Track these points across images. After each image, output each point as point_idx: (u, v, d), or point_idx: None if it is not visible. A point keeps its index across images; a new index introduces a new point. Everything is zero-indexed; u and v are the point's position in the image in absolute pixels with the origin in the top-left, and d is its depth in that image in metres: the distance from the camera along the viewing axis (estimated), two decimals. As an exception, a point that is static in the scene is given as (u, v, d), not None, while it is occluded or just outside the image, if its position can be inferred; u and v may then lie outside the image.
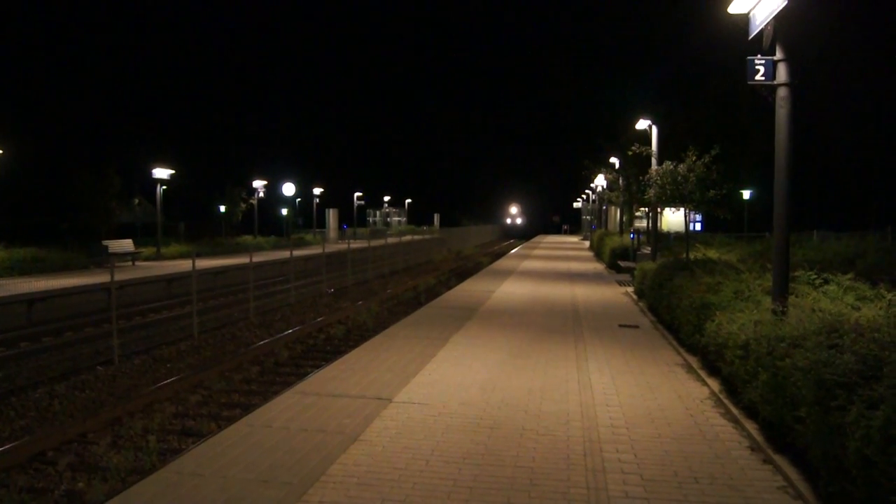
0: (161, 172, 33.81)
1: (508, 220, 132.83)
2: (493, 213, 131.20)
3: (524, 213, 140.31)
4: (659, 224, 23.30)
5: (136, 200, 51.17)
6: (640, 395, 8.74)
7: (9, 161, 24.97)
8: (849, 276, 8.86)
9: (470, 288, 22.01)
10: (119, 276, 18.78)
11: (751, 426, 7.21)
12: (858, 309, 7.39)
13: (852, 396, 4.91)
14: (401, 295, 26.11)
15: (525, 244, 63.64)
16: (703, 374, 9.70)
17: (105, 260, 26.23)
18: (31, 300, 18.43)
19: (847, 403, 4.92)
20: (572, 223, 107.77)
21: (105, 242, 28.96)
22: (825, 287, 8.63)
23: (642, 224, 30.77)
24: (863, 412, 4.66)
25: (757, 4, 8.46)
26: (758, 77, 8.32)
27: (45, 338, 16.33)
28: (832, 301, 7.91)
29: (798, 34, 8.28)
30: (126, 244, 30.16)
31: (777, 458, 6.32)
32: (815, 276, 9.07)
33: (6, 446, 8.99)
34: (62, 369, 13.60)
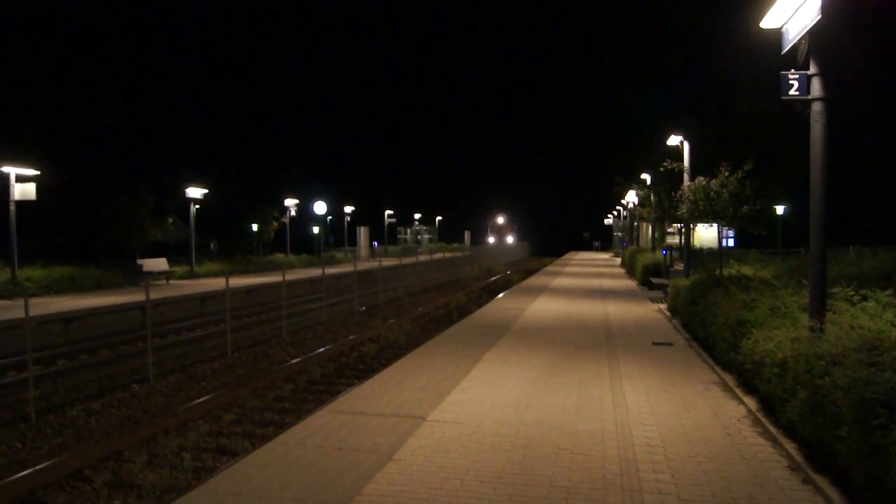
0: (194, 192, 34.22)
1: (539, 237, 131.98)
2: (523, 230, 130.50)
3: (555, 230, 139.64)
4: (692, 240, 23.12)
5: (170, 219, 51.74)
6: (675, 414, 8.64)
7: (46, 182, 25.37)
8: (888, 292, 8.72)
9: (501, 305, 21.97)
10: (153, 295, 18.99)
11: (790, 445, 7.10)
12: (898, 326, 7.27)
13: (895, 416, 4.82)
14: (432, 312, 26.12)
15: (556, 261, 63.40)
16: (739, 392, 9.58)
17: (140, 279, 26.53)
18: (67, 319, 18.67)
19: (889, 423, 4.84)
20: (603, 240, 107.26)
21: (139, 261, 29.32)
22: (863, 303, 8.50)
23: (674, 240, 30.60)
24: (906, 432, 4.58)
25: (790, 19, 8.41)
26: (792, 92, 8.27)
27: (82, 356, 16.53)
28: (871, 318, 7.78)
29: (832, 48, 8.21)
30: (160, 263, 30.47)
31: (817, 478, 6.22)
32: (853, 293, 8.94)
33: (44, 464, 9.10)
34: (98, 387, 13.77)
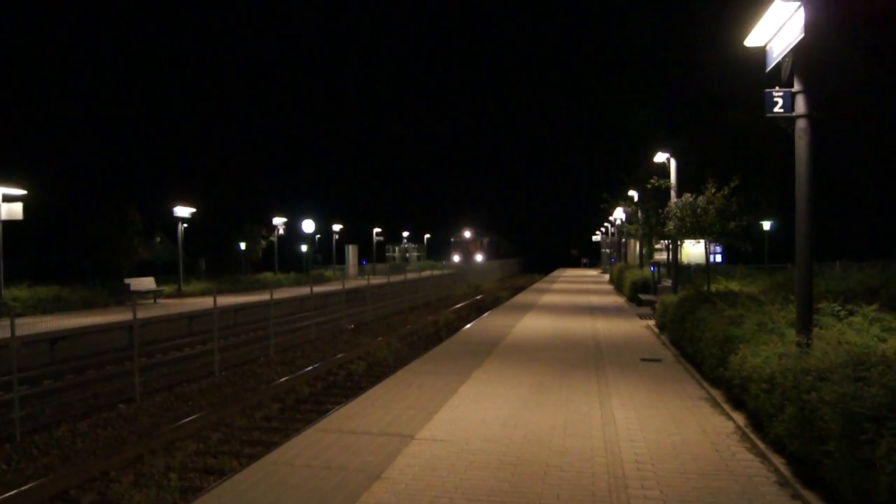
0: (182, 211, 34.12)
1: (527, 254, 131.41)
2: (510, 247, 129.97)
3: (543, 247, 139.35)
4: (679, 256, 23.20)
5: (158, 238, 51.67)
6: (664, 430, 8.64)
7: (32, 200, 25.26)
8: (874, 307, 8.77)
9: (490, 323, 21.96)
10: (141, 314, 18.89)
11: (778, 461, 7.11)
12: (885, 340, 7.32)
13: (882, 430, 4.84)
14: (421, 330, 26.07)
15: (544, 278, 63.44)
16: (727, 408, 9.59)
17: (127, 298, 26.40)
18: (53, 339, 18.55)
19: (876, 437, 4.85)
20: (591, 256, 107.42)
21: (127, 280, 29.15)
22: (850, 318, 8.54)
23: (662, 257, 30.65)
24: (893, 446, 4.60)
25: (774, 37, 8.49)
26: (776, 109, 8.32)
27: (68, 376, 16.42)
28: (858, 333, 7.82)
29: (816, 65, 8.29)
30: (148, 282, 30.33)
31: (806, 493, 6.22)
32: (840, 308, 8.98)
33: (30, 485, 9.02)
34: (85, 407, 13.67)
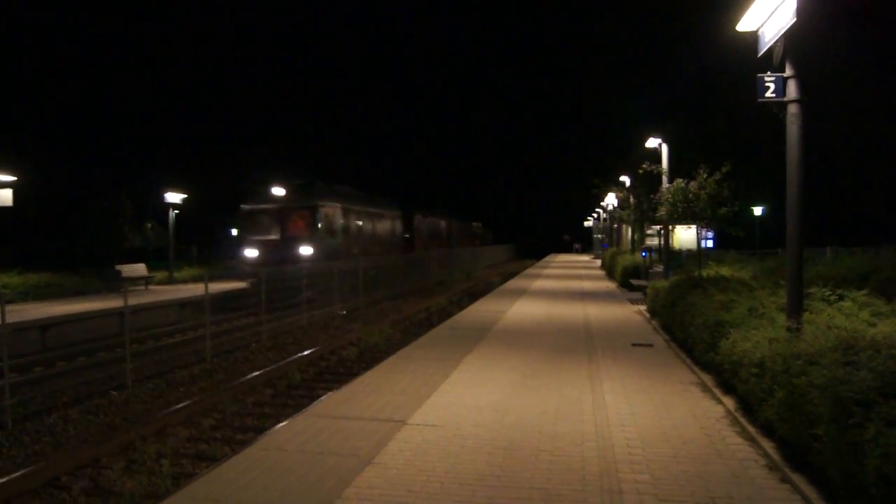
0: (173, 197, 34.00)
1: (520, 239, 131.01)
2: (504, 232, 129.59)
3: (534, 232, 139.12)
4: (671, 242, 23.25)
5: (149, 224, 51.45)
6: (655, 415, 8.68)
7: (23, 187, 25.15)
8: (864, 292, 8.83)
9: (482, 308, 21.98)
10: (132, 301, 18.81)
11: (767, 444, 7.15)
12: (874, 325, 7.35)
13: (870, 414, 4.87)
14: (413, 316, 26.07)
15: (536, 264, 63.53)
16: (718, 392, 9.63)
17: (118, 284, 26.35)
18: (45, 325, 18.50)
19: (865, 421, 4.88)
20: (583, 242, 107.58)
21: (118, 267, 29.07)
22: (840, 303, 8.58)
23: (654, 242, 30.71)
24: (881, 430, 4.63)
25: (765, 22, 8.48)
26: (768, 94, 8.33)
27: (59, 363, 16.39)
28: (847, 317, 7.86)
29: (808, 51, 8.29)
30: (139, 268, 30.25)
31: (795, 476, 6.26)
32: (830, 293, 9.02)
33: (20, 472, 9.00)
34: (76, 394, 13.62)
